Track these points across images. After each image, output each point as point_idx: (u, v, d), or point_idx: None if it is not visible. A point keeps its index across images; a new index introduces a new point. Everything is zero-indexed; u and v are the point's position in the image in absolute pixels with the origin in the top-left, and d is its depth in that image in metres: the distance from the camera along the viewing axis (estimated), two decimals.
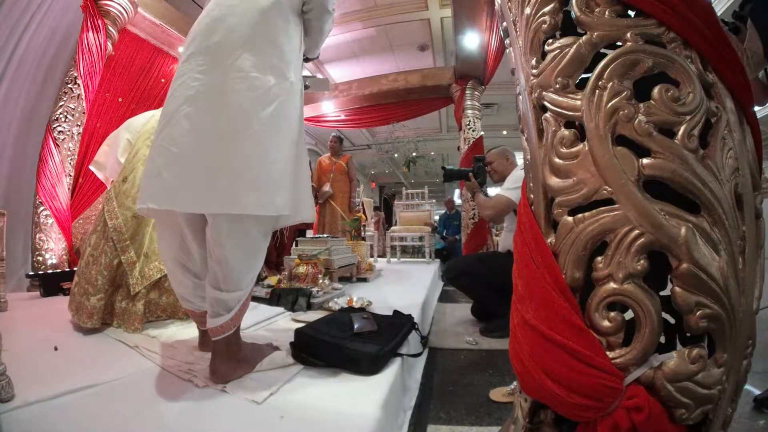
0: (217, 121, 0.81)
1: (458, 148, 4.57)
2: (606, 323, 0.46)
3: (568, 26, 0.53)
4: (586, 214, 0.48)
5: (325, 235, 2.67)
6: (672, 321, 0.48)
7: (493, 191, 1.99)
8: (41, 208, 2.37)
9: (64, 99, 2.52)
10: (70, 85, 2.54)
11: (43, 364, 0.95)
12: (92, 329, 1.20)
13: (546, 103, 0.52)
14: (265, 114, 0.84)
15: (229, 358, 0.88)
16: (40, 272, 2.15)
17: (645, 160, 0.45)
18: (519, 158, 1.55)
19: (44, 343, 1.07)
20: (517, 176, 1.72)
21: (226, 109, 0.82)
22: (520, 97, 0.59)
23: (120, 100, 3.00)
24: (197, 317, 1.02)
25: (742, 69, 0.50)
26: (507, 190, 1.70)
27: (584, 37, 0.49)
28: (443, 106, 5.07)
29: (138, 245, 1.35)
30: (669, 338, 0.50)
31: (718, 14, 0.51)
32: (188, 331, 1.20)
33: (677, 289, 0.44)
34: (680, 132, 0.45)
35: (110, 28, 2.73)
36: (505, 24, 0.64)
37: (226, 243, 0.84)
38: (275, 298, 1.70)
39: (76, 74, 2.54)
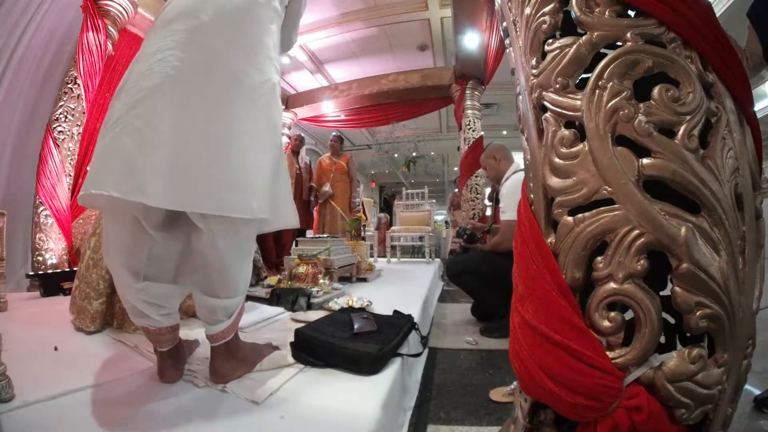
0: (200, 110, 0.76)
1: (458, 148, 4.57)
2: (606, 323, 0.46)
3: (568, 26, 0.53)
4: (586, 214, 0.48)
5: (325, 235, 2.66)
6: (672, 321, 0.48)
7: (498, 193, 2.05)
8: (41, 208, 2.36)
9: (64, 99, 2.51)
10: (70, 85, 2.54)
11: (43, 364, 0.95)
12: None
13: (546, 103, 0.52)
14: (250, 111, 0.81)
15: (229, 358, 0.88)
16: (40, 272, 2.15)
17: (645, 160, 0.45)
18: (519, 157, 1.56)
19: (44, 343, 1.07)
20: (509, 191, 1.78)
21: (209, 101, 0.77)
22: (520, 97, 0.59)
23: None
24: (154, 335, 0.84)
25: (742, 69, 0.50)
26: (505, 213, 1.78)
27: (584, 37, 0.50)
28: (443, 106, 5.08)
29: None
30: (669, 338, 0.50)
31: (718, 14, 0.51)
32: (188, 332, 1.20)
33: (677, 289, 0.44)
34: (680, 132, 0.45)
35: (110, 28, 2.73)
36: (505, 24, 0.64)
37: (221, 244, 0.80)
38: (275, 298, 1.70)
39: (76, 74, 2.54)
